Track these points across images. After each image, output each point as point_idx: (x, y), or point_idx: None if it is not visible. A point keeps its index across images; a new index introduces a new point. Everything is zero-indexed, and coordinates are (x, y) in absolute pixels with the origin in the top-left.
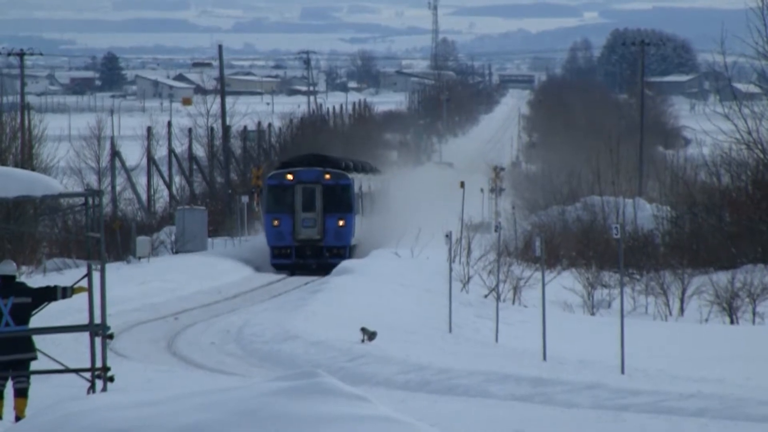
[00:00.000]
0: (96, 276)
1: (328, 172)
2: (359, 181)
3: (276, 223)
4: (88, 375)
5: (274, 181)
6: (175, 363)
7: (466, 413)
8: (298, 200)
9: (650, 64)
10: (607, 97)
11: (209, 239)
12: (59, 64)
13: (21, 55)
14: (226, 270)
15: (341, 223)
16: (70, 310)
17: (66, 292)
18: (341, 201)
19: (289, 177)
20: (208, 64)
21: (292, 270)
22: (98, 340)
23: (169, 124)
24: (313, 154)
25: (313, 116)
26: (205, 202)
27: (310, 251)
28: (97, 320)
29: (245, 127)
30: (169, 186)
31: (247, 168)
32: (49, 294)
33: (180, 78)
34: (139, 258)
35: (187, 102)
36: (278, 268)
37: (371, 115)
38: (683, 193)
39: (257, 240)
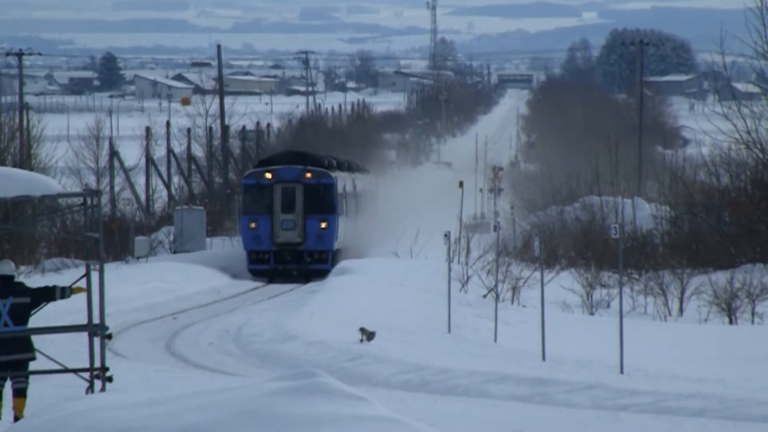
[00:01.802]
0: (95, 276)
1: (309, 171)
2: (343, 181)
3: (253, 225)
4: (86, 375)
5: (252, 180)
6: (174, 363)
7: (465, 413)
8: (277, 201)
9: (649, 64)
10: (606, 97)
11: (208, 239)
12: (58, 64)
13: (20, 55)
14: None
15: (323, 225)
16: (69, 310)
17: (65, 292)
18: (324, 201)
19: (268, 176)
20: (207, 64)
21: (271, 277)
22: (97, 340)
23: (168, 124)
24: (294, 152)
25: (312, 116)
26: (204, 202)
27: (290, 256)
28: (96, 320)
29: (244, 127)
30: (167, 186)
31: (245, 168)
32: (48, 294)
33: (179, 78)
34: (138, 258)
35: (185, 102)
36: (256, 274)
37: (370, 116)
38: (682, 193)
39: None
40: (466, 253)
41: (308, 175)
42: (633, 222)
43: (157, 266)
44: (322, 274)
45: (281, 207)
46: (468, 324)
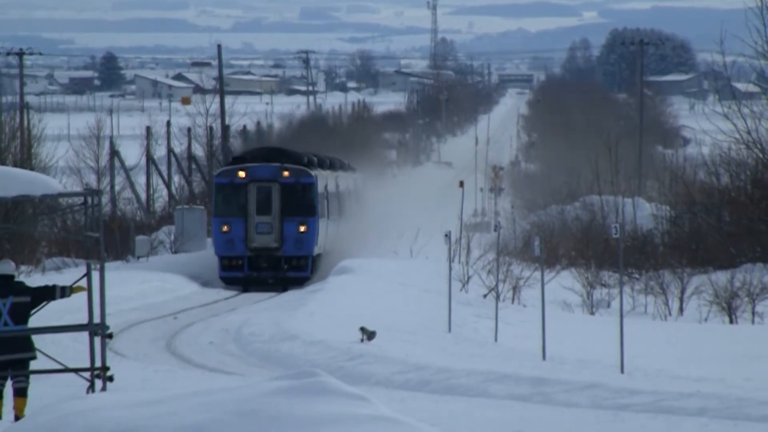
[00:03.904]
0: (95, 275)
1: (286, 169)
2: (325, 179)
3: (225, 228)
4: (87, 375)
5: (224, 179)
6: (175, 362)
7: (465, 413)
8: (251, 201)
9: (649, 64)
10: (606, 96)
11: (208, 239)
12: (58, 63)
13: (20, 54)
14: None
15: (302, 228)
16: (70, 310)
17: (65, 292)
18: (303, 202)
19: (242, 174)
20: (208, 64)
21: (245, 285)
22: (97, 340)
23: (168, 123)
24: (270, 148)
25: (313, 116)
26: (204, 201)
27: (266, 262)
28: (97, 320)
29: (245, 127)
30: (168, 185)
31: None
32: (48, 293)
33: (179, 77)
34: (138, 257)
35: (186, 101)
36: (228, 282)
37: (370, 115)
38: (682, 193)
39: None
40: (466, 253)
41: (286, 173)
42: (633, 221)
43: (159, 265)
44: (300, 281)
45: (256, 208)
46: (468, 323)
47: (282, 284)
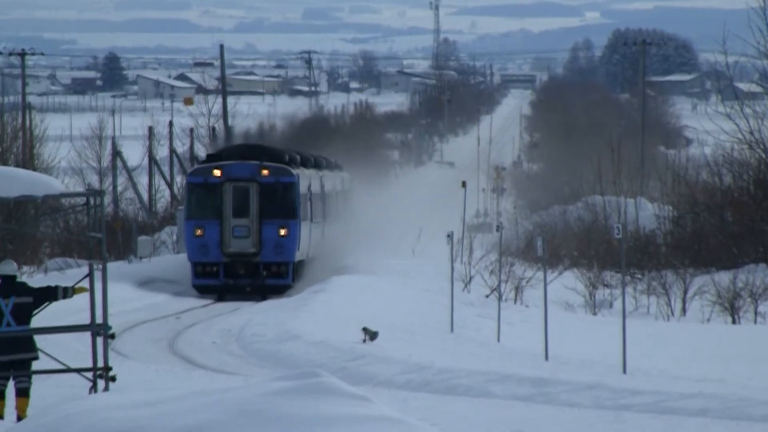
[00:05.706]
0: (97, 276)
1: (266, 167)
2: (308, 179)
3: (199, 232)
4: (89, 375)
5: (198, 178)
6: (177, 363)
7: (467, 413)
8: (227, 203)
9: (652, 64)
10: (609, 96)
11: None
12: (61, 64)
13: (22, 55)
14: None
15: (283, 232)
16: (72, 310)
17: (67, 292)
18: (283, 204)
19: (217, 173)
20: (210, 64)
21: (220, 293)
22: (100, 340)
23: (171, 123)
24: (248, 144)
25: (316, 117)
26: None
27: (243, 269)
28: (99, 320)
29: (248, 129)
30: (170, 186)
31: None
32: (50, 294)
33: (181, 78)
34: (141, 258)
35: (188, 102)
36: (202, 291)
37: (373, 116)
38: (685, 193)
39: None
40: (468, 253)
41: (265, 172)
42: (636, 222)
43: (160, 265)
44: (281, 290)
45: (232, 210)
46: (470, 324)
47: (261, 292)
